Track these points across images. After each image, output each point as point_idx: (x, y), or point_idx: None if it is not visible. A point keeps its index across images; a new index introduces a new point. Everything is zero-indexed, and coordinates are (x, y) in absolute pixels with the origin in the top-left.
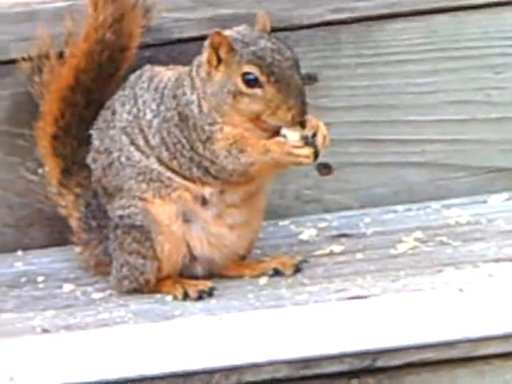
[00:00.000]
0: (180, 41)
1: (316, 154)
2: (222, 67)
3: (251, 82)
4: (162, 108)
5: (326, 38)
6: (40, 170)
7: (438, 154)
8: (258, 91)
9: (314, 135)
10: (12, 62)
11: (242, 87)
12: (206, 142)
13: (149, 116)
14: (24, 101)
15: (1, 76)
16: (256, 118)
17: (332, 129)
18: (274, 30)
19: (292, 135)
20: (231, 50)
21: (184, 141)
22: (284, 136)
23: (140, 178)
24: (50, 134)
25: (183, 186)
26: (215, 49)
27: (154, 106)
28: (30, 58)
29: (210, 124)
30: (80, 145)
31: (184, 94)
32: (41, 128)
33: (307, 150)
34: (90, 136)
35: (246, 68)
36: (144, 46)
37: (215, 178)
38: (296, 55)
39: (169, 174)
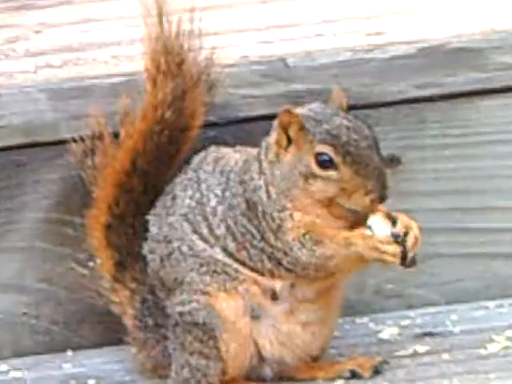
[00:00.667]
0: (248, 119)
1: (404, 255)
2: (292, 148)
3: (325, 164)
4: (228, 194)
5: (410, 116)
6: (91, 263)
7: None
8: (332, 173)
9: (405, 234)
10: (63, 142)
11: (315, 169)
12: (277, 232)
13: (213, 202)
14: (75, 185)
15: (51, 158)
16: (329, 204)
17: (415, 216)
18: (352, 107)
19: (379, 229)
20: (302, 128)
21: (254, 230)
22: (370, 228)
23: (203, 269)
24: (104, 224)
25: (251, 278)
26: (284, 128)
27: (218, 192)
28: (82, 139)
29: (279, 211)
30: (136, 235)
31: (252, 179)
32: (93, 217)
33: (395, 248)
34: (146, 222)
35: (319, 148)
36: (208, 125)
37: (288, 271)
38: (375, 134)
39: (236, 265)
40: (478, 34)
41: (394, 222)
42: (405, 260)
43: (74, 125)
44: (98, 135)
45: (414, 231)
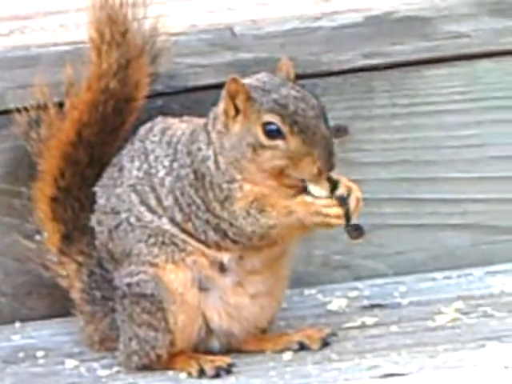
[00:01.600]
0: (195, 89)
1: (348, 218)
2: (240, 118)
3: (272, 133)
4: (175, 165)
5: (358, 85)
6: (38, 237)
7: (482, 215)
8: (280, 143)
9: (347, 197)
10: (9, 112)
11: (263, 139)
12: (224, 202)
13: (161, 173)
14: (23, 156)
15: None
16: (279, 174)
17: (363, 186)
18: (299, 76)
19: (320, 192)
20: (249, 98)
21: (199, 201)
22: (310, 193)
23: (151, 240)
24: (49, 196)
25: (199, 250)
26: (232, 98)
27: (166, 163)
28: (27, 110)
29: (228, 182)
30: (82, 208)
31: (199, 149)
32: (39, 189)
33: (338, 210)
34: (93, 194)
35: (267, 117)
36: (155, 95)
37: (234, 243)
38: (322, 104)
39: (183, 236)
40: (425, 3)
41: (335, 186)
42: (349, 222)
43: (21, 94)
44: (42, 106)
45: (356, 193)
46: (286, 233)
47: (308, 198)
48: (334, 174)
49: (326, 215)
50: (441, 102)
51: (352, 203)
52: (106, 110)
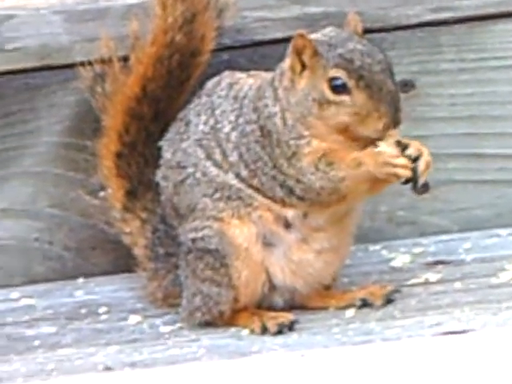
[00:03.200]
0: (263, 43)
1: (415, 179)
2: (306, 73)
3: (338, 88)
4: (241, 120)
5: (425, 40)
6: (102, 193)
7: None
8: (345, 98)
9: (416, 159)
10: (77, 65)
11: (329, 94)
12: (291, 159)
13: (227, 128)
14: (90, 110)
15: (65, 81)
16: (346, 129)
17: (430, 142)
18: (367, 31)
19: (387, 148)
20: (316, 53)
21: (266, 158)
22: (378, 147)
23: (217, 195)
24: (114, 152)
25: (265, 204)
26: (298, 53)
27: (232, 118)
28: (91, 65)
29: (296, 138)
30: (147, 164)
31: (266, 105)
32: (103, 145)
33: (406, 162)
34: (159, 149)
35: (333, 73)
36: (222, 49)
37: (300, 199)
38: (389, 58)
39: (249, 191)
40: None
41: (405, 148)
42: (416, 184)
43: (88, 48)
44: (107, 60)
45: (426, 157)
46: (355, 186)
47: (376, 149)
48: (404, 139)
49: (395, 165)
50: (508, 56)
51: (421, 165)
52: (172, 65)
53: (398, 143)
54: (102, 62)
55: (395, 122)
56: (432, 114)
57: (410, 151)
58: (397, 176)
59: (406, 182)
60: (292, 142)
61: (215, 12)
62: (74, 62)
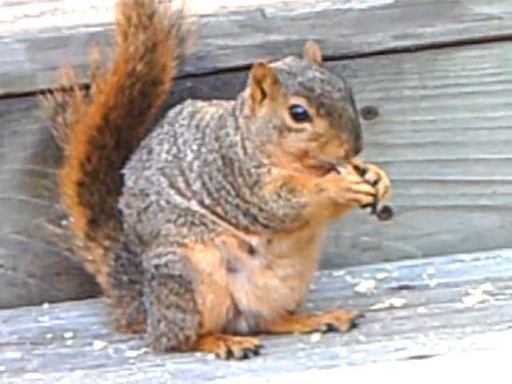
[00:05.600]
0: (225, 70)
1: (375, 203)
2: (266, 101)
3: (299, 116)
4: (203, 150)
5: (388, 67)
6: (64, 222)
7: (511, 196)
8: (306, 125)
9: (375, 183)
10: (40, 92)
11: (290, 122)
12: (253, 187)
13: (189, 157)
14: (53, 137)
15: (28, 108)
16: (305, 157)
17: (393, 168)
18: (330, 58)
19: (349, 174)
20: (276, 81)
21: (229, 187)
22: (339, 173)
23: (180, 220)
24: (76, 181)
25: (229, 231)
26: (258, 81)
27: (194, 147)
28: (51, 93)
29: (256, 167)
30: (109, 192)
31: (227, 135)
32: (65, 174)
33: (368, 187)
34: (121, 177)
35: (293, 100)
36: (185, 76)
37: (264, 227)
38: (349, 86)
39: (213, 217)
40: None
41: (363, 173)
42: (375, 208)
43: (51, 76)
44: (68, 89)
45: (384, 180)
46: (317, 212)
47: (338, 175)
48: (362, 163)
49: (357, 191)
50: (471, 83)
51: (381, 189)
52: (133, 94)
53: (356, 168)
54: (64, 90)
55: (356, 149)
56: (395, 141)
57: (369, 176)
58: (358, 201)
59: (365, 205)
60: (253, 171)
61: (176, 40)
62: (37, 90)
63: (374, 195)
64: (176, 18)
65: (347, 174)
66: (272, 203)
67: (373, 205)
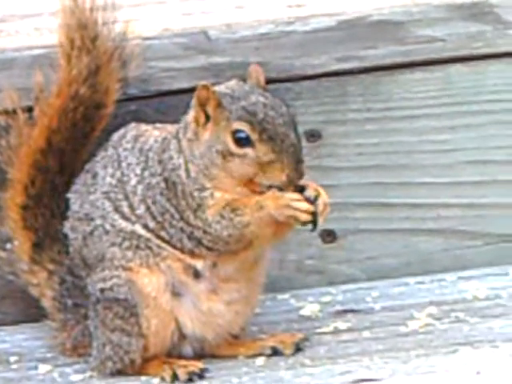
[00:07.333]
0: (169, 93)
1: (315, 220)
2: (210, 125)
3: (242, 141)
4: (147, 173)
5: (332, 89)
6: (8, 245)
7: (455, 219)
8: (249, 151)
9: (315, 200)
10: None
11: (232, 147)
12: (197, 211)
13: (133, 181)
14: None
15: None
16: (249, 181)
17: (337, 191)
18: (273, 80)
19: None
20: (219, 105)
21: (172, 210)
22: (280, 189)
23: (125, 244)
24: (20, 205)
25: (174, 255)
26: (202, 104)
27: (138, 171)
28: None
29: (199, 190)
30: (53, 215)
31: (170, 158)
32: (9, 198)
33: (307, 205)
34: (65, 201)
35: (236, 125)
36: (129, 99)
37: (209, 249)
38: (292, 110)
39: (158, 241)
40: (398, 7)
41: (302, 190)
42: (315, 225)
43: None
44: (11, 112)
45: (323, 197)
46: (260, 230)
47: (277, 193)
48: (302, 181)
49: (296, 209)
50: (414, 106)
51: (320, 206)
52: (76, 117)
53: (295, 185)
54: (7, 113)
55: (298, 174)
56: (339, 164)
57: (309, 193)
58: (297, 219)
59: (305, 223)
60: (196, 194)
61: (119, 63)
62: None
63: (313, 213)
64: (119, 41)
65: (286, 192)
66: (215, 225)
67: (313, 222)
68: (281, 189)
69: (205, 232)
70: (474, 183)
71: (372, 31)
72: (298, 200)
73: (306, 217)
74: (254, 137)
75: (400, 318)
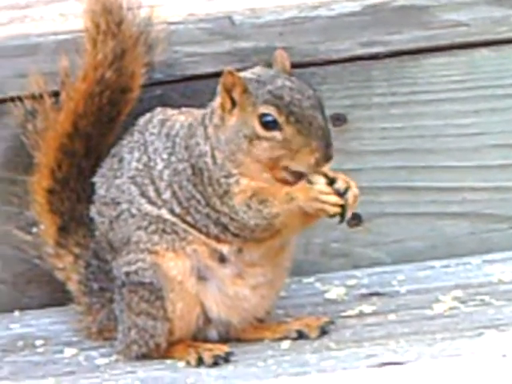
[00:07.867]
0: (194, 77)
1: (344, 213)
2: (236, 111)
3: (269, 124)
4: (173, 159)
5: (357, 74)
6: (34, 229)
7: (480, 203)
8: (276, 134)
9: (345, 193)
10: (10, 100)
11: (259, 130)
12: (223, 197)
13: (160, 166)
14: (23, 144)
15: None
16: (275, 166)
17: (362, 175)
18: (298, 65)
19: (319, 184)
20: (245, 90)
21: (199, 196)
22: (309, 182)
23: (151, 228)
24: (46, 189)
25: (200, 239)
26: (228, 90)
27: (165, 156)
28: (22, 101)
29: (226, 176)
30: (79, 199)
31: (197, 144)
32: (36, 182)
33: (336, 198)
34: (91, 185)
35: (263, 109)
36: (154, 84)
37: (235, 236)
38: (318, 94)
39: (184, 226)
40: None
41: (332, 182)
42: (344, 217)
43: (21, 83)
44: (38, 96)
45: (353, 190)
46: (289, 221)
47: (308, 184)
48: (332, 172)
49: (324, 202)
50: (439, 90)
51: (349, 200)
52: (102, 101)
53: (326, 176)
54: (33, 98)
55: (327, 157)
56: (364, 148)
57: (339, 185)
58: (326, 212)
59: (333, 215)
60: (223, 181)
61: (145, 48)
62: (7, 97)
63: (342, 205)
64: (144, 26)
65: (317, 184)
66: (242, 214)
67: (341, 214)
68: (310, 181)
69: (231, 219)
70: (499, 167)
71: (396, 16)
72: (328, 193)
73: (334, 210)
74: (281, 120)
75: (425, 302)
